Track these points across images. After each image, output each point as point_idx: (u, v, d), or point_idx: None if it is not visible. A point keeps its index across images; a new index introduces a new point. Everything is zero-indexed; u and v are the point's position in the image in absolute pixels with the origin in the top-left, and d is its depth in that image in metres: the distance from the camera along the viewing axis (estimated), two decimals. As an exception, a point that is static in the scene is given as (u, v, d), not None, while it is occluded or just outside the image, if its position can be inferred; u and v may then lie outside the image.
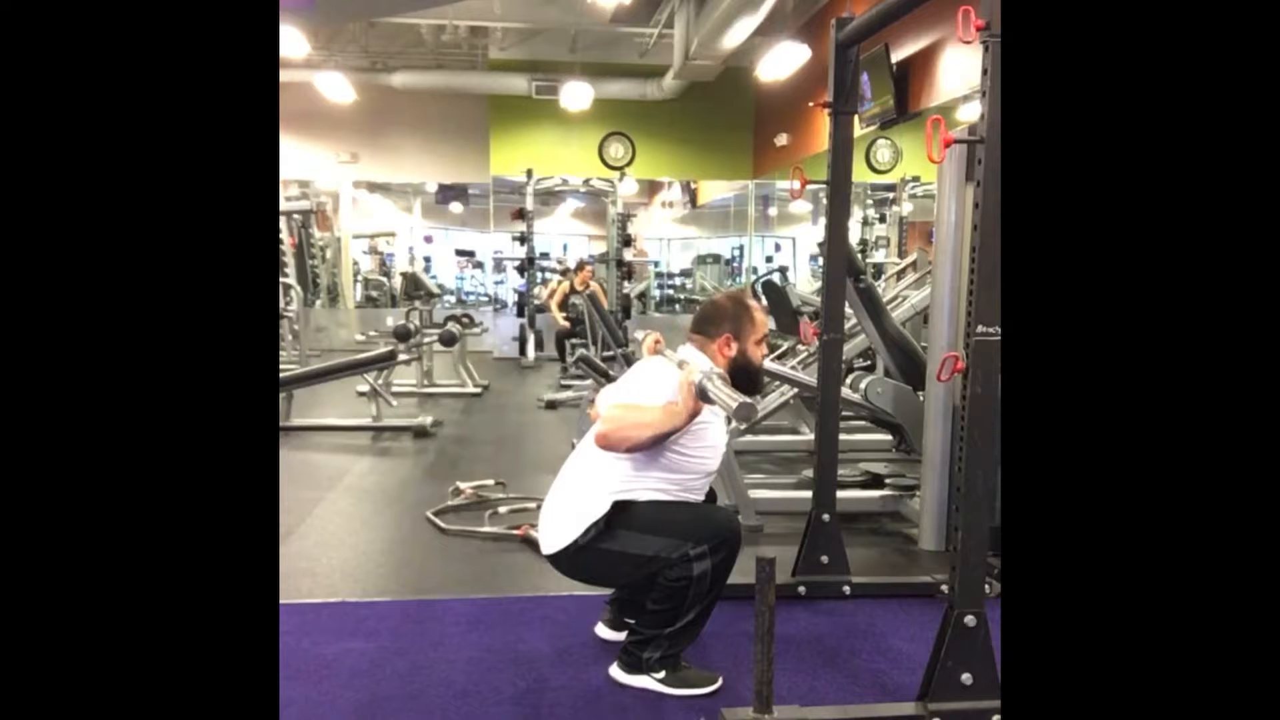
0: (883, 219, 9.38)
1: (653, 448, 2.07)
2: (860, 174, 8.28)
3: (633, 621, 2.24)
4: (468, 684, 2.18)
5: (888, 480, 3.72)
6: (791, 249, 13.09)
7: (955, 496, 1.91)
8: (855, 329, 4.08)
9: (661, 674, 2.14)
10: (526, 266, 9.11)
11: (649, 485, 2.12)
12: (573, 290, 8.58)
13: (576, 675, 2.23)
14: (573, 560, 2.14)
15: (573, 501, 2.15)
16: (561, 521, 2.14)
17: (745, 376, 2.25)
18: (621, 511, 2.08)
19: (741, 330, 2.25)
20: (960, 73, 5.50)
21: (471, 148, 10.90)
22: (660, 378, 2.15)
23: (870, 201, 9.61)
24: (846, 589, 2.71)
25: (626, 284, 9.13)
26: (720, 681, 2.16)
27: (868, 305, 3.80)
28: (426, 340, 6.82)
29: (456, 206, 15.96)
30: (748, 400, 1.86)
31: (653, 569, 2.07)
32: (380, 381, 5.63)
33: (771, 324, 6.49)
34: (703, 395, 1.95)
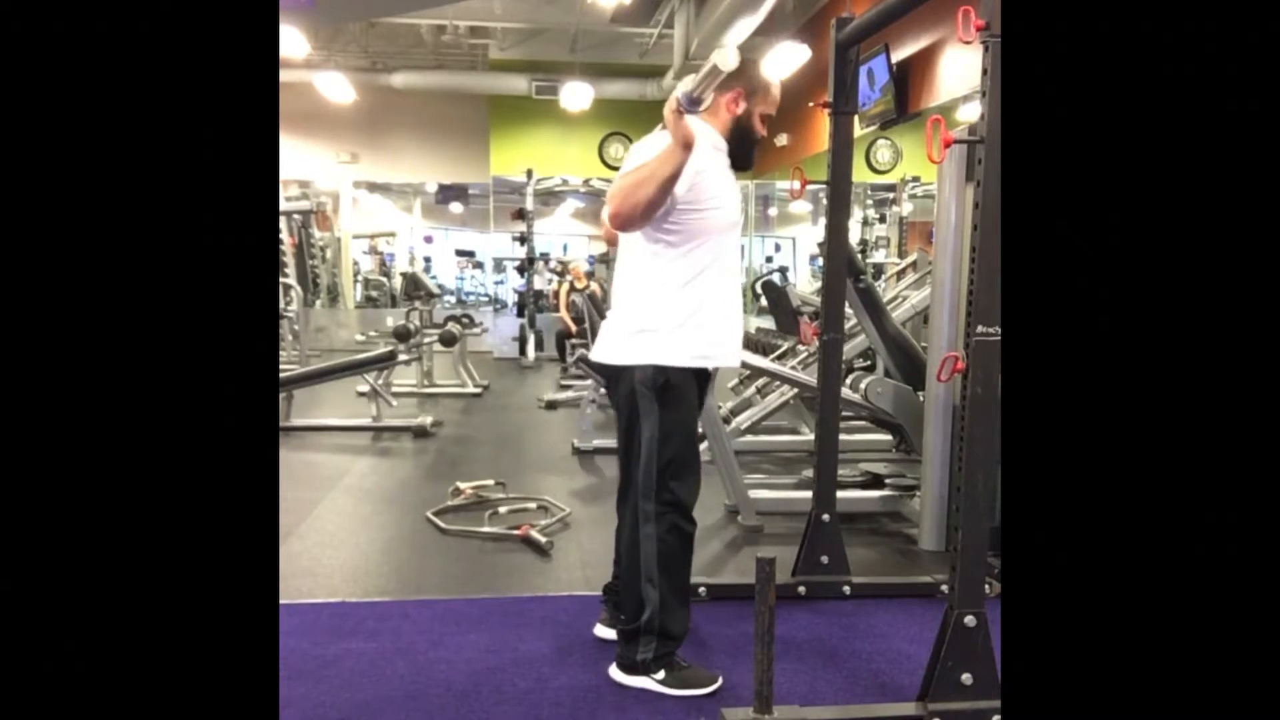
0: (883, 219, 9.37)
1: (664, 199, 1.91)
2: (860, 174, 8.28)
3: (622, 617, 2.23)
4: (468, 684, 2.18)
5: (888, 480, 3.72)
6: (791, 249, 13.07)
7: (955, 496, 1.91)
8: (855, 329, 4.08)
9: (661, 674, 2.13)
10: (526, 266, 9.12)
11: (683, 279, 2.05)
12: (572, 289, 8.59)
13: (576, 675, 2.23)
14: (613, 378, 2.15)
15: (628, 318, 2.12)
16: (616, 336, 2.13)
17: (742, 144, 2.14)
18: (664, 388, 2.07)
19: (755, 91, 2.10)
20: (960, 73, 5.50)
21: (471, 148, 10.91)
22: (648, 148, 1.99)
23: (870, 201, 9.61)
24: (846, 589, 2.71)
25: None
26: (720, 681, 2.16)
27: (868, 305, 3.80)
28: (426, 340, 6.83)
29: (456, 206, 15.97)
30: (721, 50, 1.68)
31: (630, 461, 2.14)
32: (380, 382, 5.63)
33: (771, 324, 6.50)
34: (688, 105, 1.76)
